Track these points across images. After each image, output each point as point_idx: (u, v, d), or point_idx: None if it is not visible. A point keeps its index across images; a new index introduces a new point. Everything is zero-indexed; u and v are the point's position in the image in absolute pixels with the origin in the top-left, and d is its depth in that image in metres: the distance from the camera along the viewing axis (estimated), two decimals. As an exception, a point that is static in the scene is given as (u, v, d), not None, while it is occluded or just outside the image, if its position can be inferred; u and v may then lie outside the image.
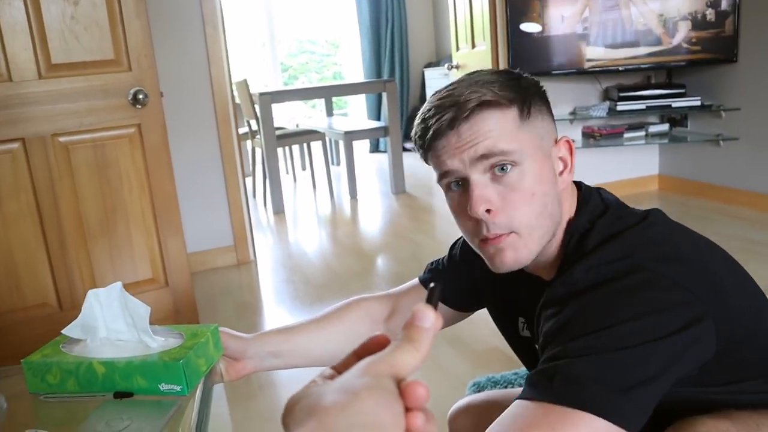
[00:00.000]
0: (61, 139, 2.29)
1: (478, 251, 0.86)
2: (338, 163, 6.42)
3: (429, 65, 6.92)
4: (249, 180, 5.53)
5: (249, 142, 5.11)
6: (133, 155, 2.39)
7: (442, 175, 0.83)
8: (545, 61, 3.66)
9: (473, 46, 3.98)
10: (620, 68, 3.69)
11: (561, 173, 0.84)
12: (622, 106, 3.76)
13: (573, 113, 3.95)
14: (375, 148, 7.12)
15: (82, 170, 2.33)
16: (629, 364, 0.69)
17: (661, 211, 0.87)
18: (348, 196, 4.86)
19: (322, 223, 4.37)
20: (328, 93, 5.38)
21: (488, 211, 0.79)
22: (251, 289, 3.09)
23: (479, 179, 0.79)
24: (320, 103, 6.57)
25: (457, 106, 0.78)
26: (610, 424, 0.66)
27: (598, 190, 0.90)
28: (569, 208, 0.86)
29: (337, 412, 0.36)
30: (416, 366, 0.39)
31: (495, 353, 2.17)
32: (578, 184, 0.91)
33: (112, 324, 0.92)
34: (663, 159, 4.26)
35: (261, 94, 4.36)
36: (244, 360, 0.98)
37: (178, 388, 0.86)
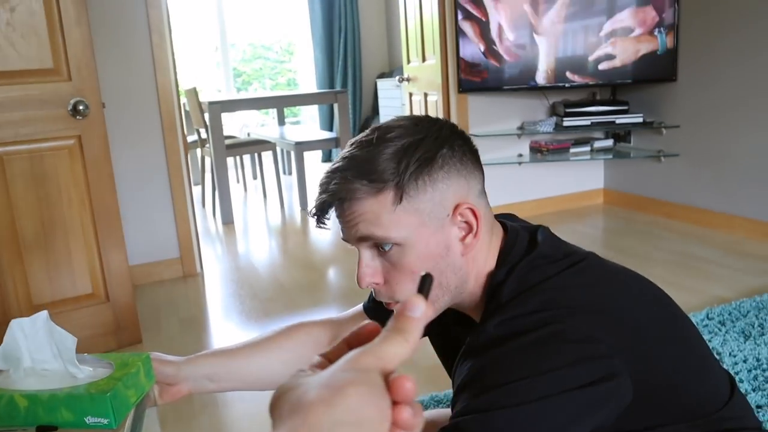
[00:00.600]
0: (-4, 149, 2.21)
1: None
2: (290, 173, 6.37)
3: (382, 75, 6.94)
4: (198, 189, 5.44)
5: (198, 151, 5.03)
6: (72, 167, 2.32)
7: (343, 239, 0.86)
8: (494, 76, 3.71)
9: (423, 59, 4.01)
10: (566, 85, 3.77)
11: (464, 238, 0.83)
12: (568, 122, 3.84)
13: (521, 128, 4.02)
14: (327, 158, 7.10)
15: (17, 182, 2.25)
16: (530, 421, 0.69)
17: (594, 255, 0.87)
18: (299, 207, 4.83)
19: (272, 234, 4.32)
20: (279, 103, 5.34)
21: (376, 283, 0.83)
22: (197, 303, 3.03)
23: (366, 253, 0.83)
24: (273, 110, 6.51)
25: (332, 193, 0.81)
26: None
27: (533, 231, 0.89)
28: (485, 261, 0.86)
29: (322, 409, 0.35)
30: (405, 357, 0.38)
31: (439, 370, 2.17)
32: (505, 227, 0.90)
33: (36, 354, 0.89)
34: (608, 174, 4.37)
35: (210, 103, 4.30)
36: (179, 383, 0.96)
37: (106, 422, 0.84)
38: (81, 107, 2.26)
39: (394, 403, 0.37)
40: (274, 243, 4.09)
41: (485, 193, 0.88)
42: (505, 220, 0.95)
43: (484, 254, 0.85)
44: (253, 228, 4.47)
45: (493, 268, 0.85)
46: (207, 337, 2.66)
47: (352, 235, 0.82)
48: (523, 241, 0.87)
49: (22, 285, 2.29)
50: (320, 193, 0.83)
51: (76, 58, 2.26)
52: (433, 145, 0.80)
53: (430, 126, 0.82)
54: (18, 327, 0.88)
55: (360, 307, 1.12)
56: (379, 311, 1.01)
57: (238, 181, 6.06)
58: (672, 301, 0.89)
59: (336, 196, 0.80)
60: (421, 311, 0.39)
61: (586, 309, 0.77)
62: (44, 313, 0.90)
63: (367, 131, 0.84)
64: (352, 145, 0.83)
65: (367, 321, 0.43)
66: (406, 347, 0.38)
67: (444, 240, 0.81)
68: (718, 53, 3.46)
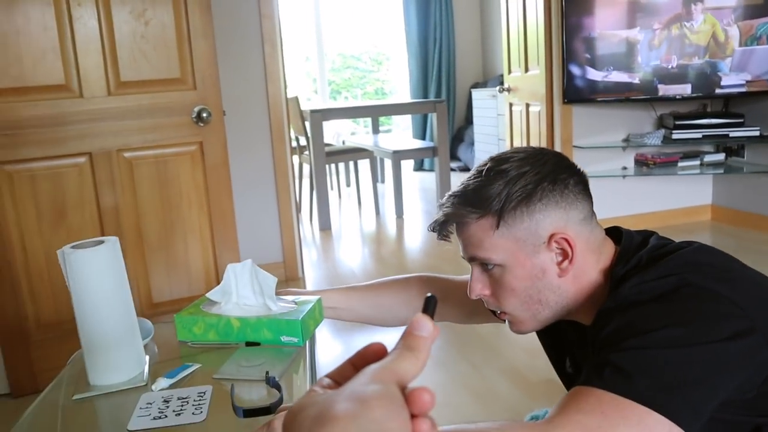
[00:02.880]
0: (126, 154, 2.35)
1: None
2: (383, 181, 6.44)
3: (476, 85, 6.91)
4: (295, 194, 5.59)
5: (296, 158, 5.16)
6: (193, 172, 2.44)
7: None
8: (600, 87, 3.62)
9: (526, 69, 3.97)
10: (677, 97, 3.63)
11: (560, 263, 0.90)
12: (677, 135, 3.70)
13: (626, 140, 3.90)
14: (419, 167, 7.13)
15: (144, 185, 2.38)
16: (676, 363, 0.73)
17: (707, 245, 0.92)
18: (394, 215, 4.87)
19: (368, 241, 4.38)
20: (378, 112, 5.42)
21: (484, 294, 0.95)
22: (299, 306, 3.10)
23: (475, 269, 0.95)
24: (366, 118, 6.61)
25: (444, 215, 0.94)
26: (659, 416, 0.70)
27: (646, 235, 0.95)
28: (595, 276, 0.92)
29: (349, 421, 0.35)
30: (417, 374, 0.39)
31: (552, 384, 2.14)
32: (620, 233, 0.96)
33: (242, 291, 1.19)
34: (717, 189, 4.17)
35: (312, 112, 4.41)
36: None
37: (296, 340, 1.13)
38: (204, 115, 2.37)
39: (413, 416, 0.38)
40: (369, 250, 4.14)
41: (592, 216, 0.94)
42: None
43: (591, 270, 0.93)
44: (349, 234, 4.54)
45: (610, 266, 0.92)
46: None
47: (465, 253, 0.95)
48: (638, 239, 0.94)
49: (144, 283, 2.43)
50: (438, 214, 0.95)
51: (201, 69, 2.38)
52: (534, 179, 0.89)
53: (536, 160, 0.91)
54: (231, 270, 1.19)
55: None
56: None
57: (332, 188, 6.18)
58: None
59: (447, 219, 0.93)
60: (428, 331, 0.41)
61: (717, 277, 0.81)
62: (249, 261, 1.20)
63: (486, 160, 0.94)
64: (471, 173, 0.95)
65: (372, 342, 0.45)
66: (417, 364, 0.40)
67: (540, 264, 0.90)
68: None
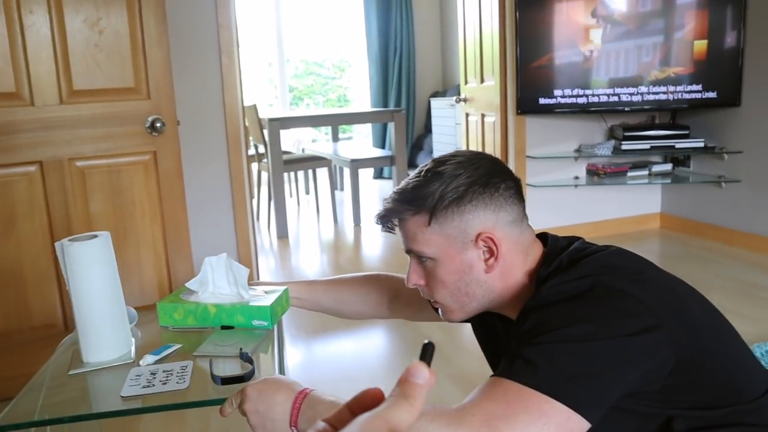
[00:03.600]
0: (78, 163, 2.33)
1: None
2: (342, 189, 6.46)
3: (435, 94, 7.00)
4: (253, 202, 5.57)
5: (255, 165, 5.15)
6: (147, 181, 2.43)
7: None
8: (553, 98, 3.72)
9: (482, 80, 4.05)
10: (626, 108, 3.75)
11: (487, 260, 0.98)
12: (626, 146, 3.82)
13: (578, 150, 4.01)
14: (379, 175, 7.18)
15: (96, 194, 2.37)
16: (580, 356, 0.80)
17: (623, 249, 1.00)
18: (352, 223, 4.90)
19: (325, 248, 4.40)
20: (337, 121, 5.44)
21: (419, 284, 1.04)
22: (255, 314, 3.10)
23: (412, 261, 1.04)
24: (326, 126, 6.62)
25: (386, 210, 1.02)
26: (558, 404, 0.76)
27: (571, 239, 1.03)
28: (521, 275, 1.00)
29: None
30: (411, 422, 0.40)
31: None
32: (547, 238, 1.03)
33: (217, 281, 1.34)
34: (665, 198, 4.31)
35: (270, 120, 4.42)
36: None
37: (266, 323, 1.30)
38: (158, 124, 2.37)
39: None
40: (327, 257, 4.17)
41: (522, 219, 1.01)
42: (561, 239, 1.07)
43: (518, 269, 1.00)
44: (306, 242, 4.55)
45: (535, 267, 1.00)
46: (266, 349, 2.73)
47: (404, 245, 1.04)
48: (562, 243, 1.02)
49: (96, 292, 2.40)
50: (381, 209, 1.04)
51: (156, 78, 2.38)
52: (466, 182, 0.97)
53: (471, 164, 0.98)
54: (208, 263, 1.34)
55: None
56: None
57: (291, 196, 6.18)
58: (698, 293, 0.99)
59: (386, 214, 1.02)
60: (425, 378, 0.41)
61: (630, 279, 0.88)
62: (225, 255, 1.36)
63: (429, 162, 1.02)
64: (414, 172, 1.03)
65: (369, 387, 0.45)
66: (412, 412, 0.40)
67: (468, 260, 0.98)
68: (785, 79, 3.40)
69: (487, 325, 1.15)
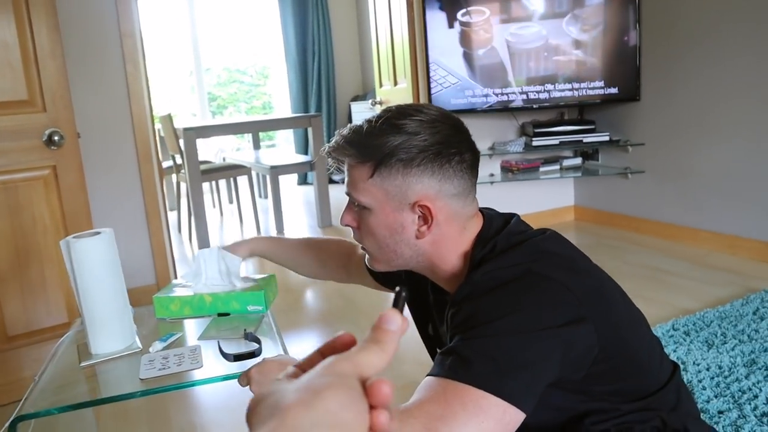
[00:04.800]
0: (-30, 181, 2.22)
1: None
2: (266, 196, 6.40)
3: (356, 98, 7.03)
4: (174, 214, 5.45)
5: (174, 176, 5.04)
6: (48, 197, 2.34)
7: None
8: (464, 97, 3.80)
9: (395, 83, 4.09)
10: (534, 106, 3.88)
11: (421, 228, 0.98)
12: (537, 142, 3.94)
13: (492, 148, 4.11)
14: (303, 181, 7.14)
15: (-8, 213, 2.26)
16: (511, 349, 0.81)
17: (558, 234, 1.01)
18: (275, 230, 4.86)
19: (248, 258, 4.33)
20: (254, 128, 5.38)
21: (348, 226, 1.05)
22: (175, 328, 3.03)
23: (349, 203, 1.03)
24: (249, 134, 6.55)
25: (335, 146, 1.00)
26: (494, 398, 0.77)
27: (508, 217, 1.03)
28: (454, 248, 1.00)
29: (300, 411, 0.35)
30: (381, 367, 0.39)
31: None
32: (487, 217, 1.02)
33: (210, 273, 1.43)
34: (578, 191, 4.48)
35: (185, 130, 4.33)
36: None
37: (260, 308, 1.42)
38: (56, 138, 2.28)
39: (371, 408, 0.38)
40: (251, 267, 4.11)
41: (468, 193, 0.99)
42: (498, 213, 1.08)
43: (451, 243, 0.99)
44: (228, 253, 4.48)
45: (470, 249, 0.99)
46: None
47: (345, 186, 1.02)
48: (498, 223, 1.01)
49: (-3, 316, 2.30)
50: (332, 143, 1.02)
51: (51, 90, 2.29)
52: (420, 145, 0.94)
53: (431, 127, 0.95)
54: (201, 255, 1.43)
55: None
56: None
57: (214, 206, 6.07)
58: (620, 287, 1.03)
59: (332, 152, 1.01)
60: (397, 325, 0.40)
61: (562, 266, 0.90)
62: (216, 247, 1.45)
63: (394, 107, 0.98)
64: (377, 115, 0.98)
65: (342, 332, 0.44)
66: (383, 357, 0.39)
67: (401, 220, 0.97)
68: (678, 73, 3.59)
69: (424, 297, 1.16)
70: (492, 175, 4.11)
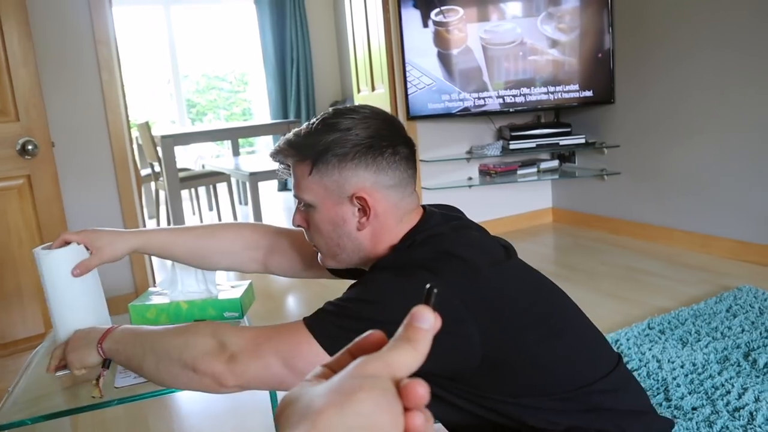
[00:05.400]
0: (-58, 192, 2.20)
1: None
2: (246, 203, 6.38)
3: (335, 104, 7.04)
4: (153, 222, 5.41)
5: (152, 184, 5.01)
6: (22, 207, 2.33)
7: None
8: (442, 102, 3.83)
9: (373, 88, 4.11)
10: (510, 110, 3.92)
11: (361, 219, 1.01)
12: (514, 145, 3.98)
13: (469, 152, 4.14)
14: (283, 187, 7.13)
15: (-35, 224, 2.24)
16: (352, 310, 0.90)
17: (485, 231, 1.06)
18: (255, 237, 4.85)
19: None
20: (233, 135, 5.37)
21: (299, 227, 1.09)
22: (153, 337, 3.02)
23: (299, 204, 1.07)
24: (228, 141, 6.53)
25: (277, 150, 1.05)
26: (312, 338, 0.88)
27: (450, 218, 1.07)
28: (389, 238, 1.03)
29: (333, 414, 0.34)
30: (415, 367, 0.38)
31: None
32: (427, 213, 1.06)
33: (186, 280, 1.42)
34: (555, 193, 4.52)
35: (163, 137, 4.31)
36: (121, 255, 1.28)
37: (236, 315, 1.41)
38: (30, 147, 2.27)
39: (406, 410, 0.36)
40: (231, 273, 4.10)
41: (406, 186, 1.03)
42: (447, 212, 1.11)
43: (388, 234, 1.03)
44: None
45: (398, 242, 1.03)
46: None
47: (292, 186, 1.06)
48: (437, 220, 1.05)
49: (-28, 327, 2.27)
50: (278, 143, 1.05)
51: (24, 99, 2.28)
52: (353, 140, 0.99)
53: (363, 124, 1.00)
54: (177, 263, 1.38)
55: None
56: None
57: (194, 213, 6.04)
58: (557, 291, 1.04)
59: (275, 154, 1.05)
60: (430, 323, 0.39)
61: (463, 267, 0.91)
62: None
63: (330, 112, 1.03)
64: (315, 119, 1.03)
65: (372, 330, 0.43)
66: (415, 356, 0.38)
67: (342, 214, 1.02)
68: (650, 76, 3.65)
69: None
70: (470, 178, 4.14)
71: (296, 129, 1.04)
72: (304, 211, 1.06)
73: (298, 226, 1.08)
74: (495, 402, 0.94)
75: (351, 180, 0.99)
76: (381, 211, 1.01)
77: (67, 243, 1.21)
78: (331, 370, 0.41)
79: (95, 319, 1.23)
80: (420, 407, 0.37)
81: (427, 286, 0.42)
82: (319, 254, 1.11)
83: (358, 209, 1.01)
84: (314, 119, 1.03)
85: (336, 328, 0.88)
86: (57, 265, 1.19)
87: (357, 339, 0.43)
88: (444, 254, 0.93)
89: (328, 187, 1.00)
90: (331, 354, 0.79)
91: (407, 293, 0.84)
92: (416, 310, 0.40)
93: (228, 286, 1.51)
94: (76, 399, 1.23)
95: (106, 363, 1.14)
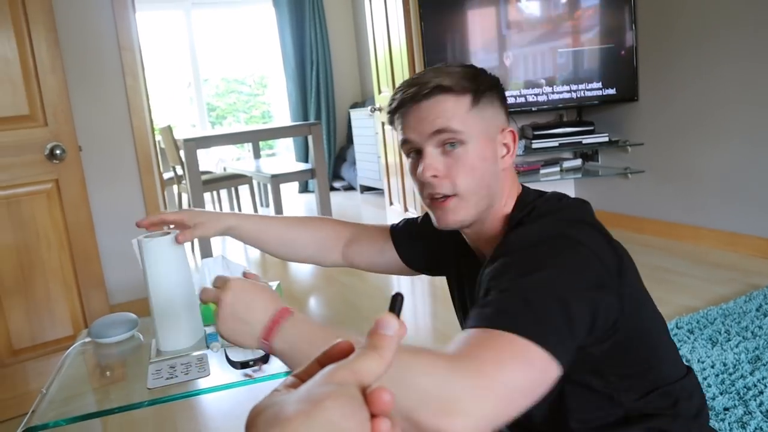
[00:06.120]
0: (-26, 197, 2.23)
1: (428, 209, 1.04)
2: (267, 205, 6.41)
3: (355, 105, 7.05)
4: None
5: (175, 188, 5.05)
6: (51, 211, 2.36)
7: (403, 142, 1.01)
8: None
9: (394, 89, 4.11)
10: (533, 109, 3.89)
11: (504, 156, 1.00)
12: (537, 144, 3.95)
13: (491, 151, 4.12)
14: (304, 189, 7.16)
15: (-4, 228, 2.27)
16: (549, 302, 0.78)
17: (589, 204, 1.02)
18: (277, 239, 4.87)
19: (252, 266, 4.35)
20: (254, 137, 5.40)
21: (435, 176, 0.97)
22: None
23: (431, 151, 0.97)
24: (249, 143, 6.57)
25: (419, 85, 0.97)
26: (539, 349, 0.72)
27: (539, 191, 1.06)
28: (509, 190, 1.02)
29: (301, 422, 0.34)
30: (380, 373, 0.38)
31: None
32: (523, 187, 1.06)
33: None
34: (578, 192, 4.48)
35: (186, 141, 4.34)
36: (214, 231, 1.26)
37: None
38: (58, 152, 2.30)
39: (372, 416, 0.37)
40: (257, 274, 4.12)
41: None
42: None
43: (509, 180, 1.02)
44: (232, 261, 4.49)
45: (511, 211, 1.02)
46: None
47: (426, 130, 0.97)
48: (534, 193, 1.05)
49: (2, 330, 2.30)
50: (404, 90, 0.98)
51: (52, 104, 2.31)
52: (493, 78, 1.02)
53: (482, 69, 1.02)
54: (206, 265, 1.43)
55: (387, 225, 1.32)
56: (401, 235, 1.27)
57: (216, 216, 6.08)
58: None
59: (433, 80, 0.96)
60: (394, 329, 0.40)
61: (593, 233, 0.91)
62: (221, 255, 1.45)
63: (426, 69, 1.02)
64: (454, 63, 1.02)
65: (339, 340, 0.43)
66: (381, 363, 0.39)
67: (493, 149, 0.99)
68: (675, 73, 3.60)
69: (457, 268, 1.18)
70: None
71: (424, 72, 0.99)
72: (450, 150, 0.96)
73: (434, 175, 0.97)
74: (606, 383, 0.92)
75: (499, 116, 1.00)
76: (515, 150, 1.02)
77: (164, 222, 1.26)
78: (300, 379, 0.41)
79: (187, 303, 1.33)
80: (386, 413, 0.37)
81: (393, 293, 0.42)
82: (449, 210, 0.98)
83: (503, 145, 1.00)
84: (425, 71, 1.00)
85: (564, 319, 0.78)
86: (157, 252, 1.28)
87: (326, 349, 0.43)
88: (575, 221, 0.92)
89: (486, 120, 0.98)
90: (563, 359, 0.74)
91: (574, 264, 0.84)
92: (381, 318, 0.40)
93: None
94: (108, 399, 1.24)
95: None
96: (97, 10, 3.01)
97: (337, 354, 0.43)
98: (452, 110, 0.96)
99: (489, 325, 0.75)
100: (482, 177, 0.97)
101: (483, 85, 0.98)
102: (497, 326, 0.74)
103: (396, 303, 0.42)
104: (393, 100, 1.01)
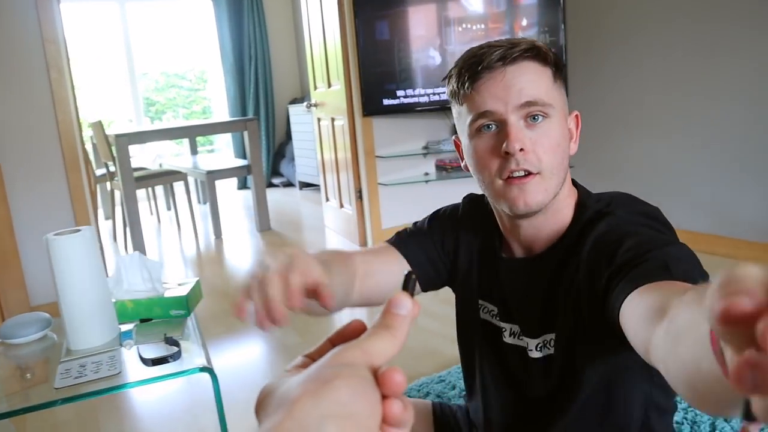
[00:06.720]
0: None
1: (495, 197, 0.93)
2: (205, 202, 6.33)
3: (294, 101, 7.02)
4: (109, 223, 5.34)
5: (108, 184, 4.93)
6: (-34, 209, 2.28)
7: (479, 116, 0.91)
8: (397, 98, 3.86)
9: (329, 85, 4.12)
10: (466, 105, 3.96)
11: (571, 138, 0.96)
12: (469, 140, 4.02)
13: (426, 148, 4.18)
14: (243, 185, 7.09)
15: None
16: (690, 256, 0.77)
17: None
18: (213, 236, 4.82)
19: (188, 264, 4.29)
20: (189, 133, 5.32)
21: (521, 150, 0.88)
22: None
23: (517, 123, 0.89)
24: (187, 140, 6.47)
25: (507, 47, 0.89)
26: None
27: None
28: (569, 177, 0.97)
29: (309, 402, 0.34)
30: (392, 353, 0.37)
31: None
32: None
33: (131, 279, 1.44)
34: (511, 187, 4.59)
35: (117, 136, 4.25)
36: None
37: (183, 312, 1.45)
38: (-27, 148, 2.23)
39: (384, 398, 0.36)
40: (190, 272, 4.07)
41: None
42: None
43: (568, 178, 0.96)
44: (166, 259, 4.43)
45: (578, 198, 0.97)
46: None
47: (514, 101, 0.88)
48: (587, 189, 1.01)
49: None
50: (491, 50, 0.89)
51: (-34, 99, 2.24)
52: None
53: None
54: (121, 261, 1.45)
55: (384, 243, 1.12)
56: (401, 244, 1.09)
57: (151, 213, 5.97)
58: None
59: (517, 49, 0.88)
60: (408, 309, 0.39)
61: (665, 225, 0.89)
62: (137, 253, 1.47)
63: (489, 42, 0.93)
64: (489, 42, 0.92)
65: (353, 320, 0.43)
66: (394, 343, 0.38)
67: (567, 127, 0.94)
68: (604, 72, 3.74)
69: (520, 280, 1.02)
70: (427, 174, 4.18)
71: (501, 39, 0.93)
72: (533, 124, 0.89)
73: (522, 149, 0.88)
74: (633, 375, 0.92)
75: (566, 99, 0.96)
76: (578, 136, 0.98)
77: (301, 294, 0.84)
78: (311, 359, 0.41)
79: (99, 301, 1.31)
80: (397, 394, 0.36)
81: (405, 271, 0.41)
82: (528, 191, 0.90)
83: (569, 129, 0.96)
84: (500, 40, 0.93)
85: None
86: (64, 251, 1.27)
87: (340, 327, 0.43)
88: (652, 212, 0.92)
89: (564, 98, 0.94)
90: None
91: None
92: (394, 297, 0.39)
93: (175, 284, 1.52)
94: (13, 401, 1.22)
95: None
96: (19, 1, 2.92)
97: (350, 333, 0.42)
98: (542, 81, 0.90)
99: (678, 278, 0.71)
100: (563, 157, 0.92)
101: (559, 61, 0.94)
102: (680, 278, 0.71)
103: (409, 282, 0.40)
104: (476, 61, 0.91)
